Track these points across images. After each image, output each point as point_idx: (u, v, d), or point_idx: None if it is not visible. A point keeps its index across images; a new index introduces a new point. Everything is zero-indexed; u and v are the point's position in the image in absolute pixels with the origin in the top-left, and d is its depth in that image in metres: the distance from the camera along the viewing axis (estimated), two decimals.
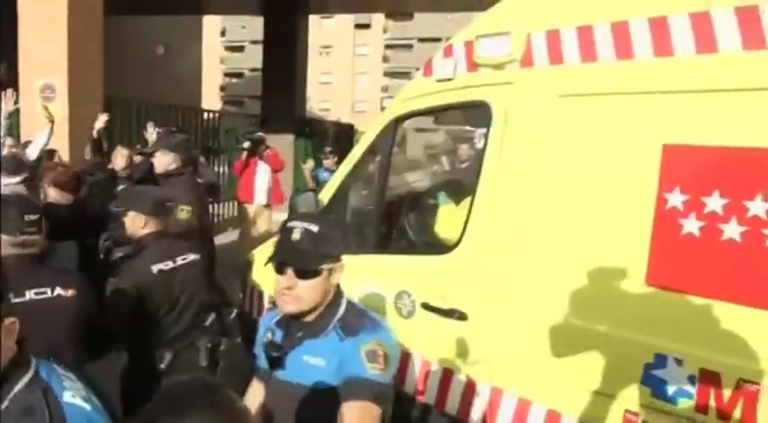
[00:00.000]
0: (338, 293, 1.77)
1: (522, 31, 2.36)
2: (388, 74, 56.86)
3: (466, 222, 2.56)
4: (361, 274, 2.93)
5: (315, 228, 1.67)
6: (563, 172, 2.20)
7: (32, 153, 4.66)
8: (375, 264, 3.04)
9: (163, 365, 2.80)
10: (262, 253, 4.13)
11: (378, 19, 53.88)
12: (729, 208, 1.77)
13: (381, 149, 3.22)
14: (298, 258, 1.67)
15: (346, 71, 57.56)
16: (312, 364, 1.69)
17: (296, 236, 1.66)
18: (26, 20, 8.67)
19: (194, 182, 4.25)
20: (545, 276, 2.22)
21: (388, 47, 57.78)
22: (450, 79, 2.73)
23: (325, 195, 3.57)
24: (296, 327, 1.76)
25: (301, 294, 1.67)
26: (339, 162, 4.83)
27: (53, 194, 3.78)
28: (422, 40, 52.52)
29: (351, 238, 3.48)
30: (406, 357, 2.82)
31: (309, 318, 1.73)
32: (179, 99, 14.15)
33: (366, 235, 3.39)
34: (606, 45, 2.08)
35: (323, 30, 43.31)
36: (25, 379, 1.21)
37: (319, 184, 6.50)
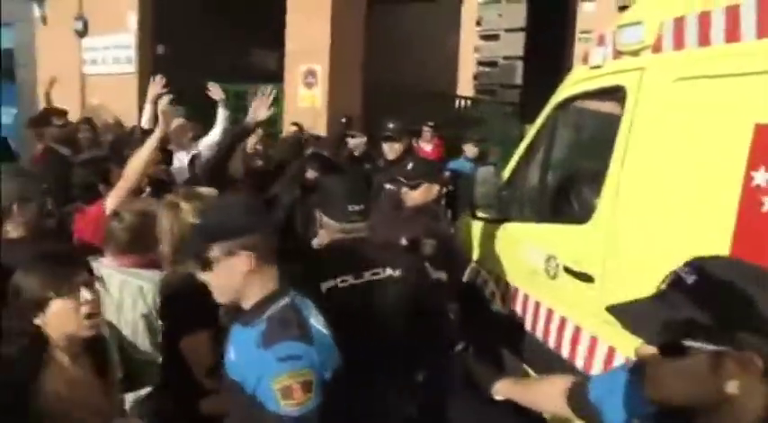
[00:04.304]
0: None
1: (655, 19, 2.56)
2: None
3: (599, 195, 2.84)
4: (525, 240, 3.42)
5: None
6: (679, 152, 2.37)
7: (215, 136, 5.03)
8: (535, 231, 3.43)
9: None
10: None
11: None
12: None
13: (548, 130, 3.58)
14: None
15: None
16: None
17: None
18: (294, 6, 9.11)
19: None
20: (653, 246, 2.43)
21: None
22: (600, 66, 3.00)
23: (507, 172, 4.04)
24: None
25: None
26: None
27: None
28: None
29: (526, 208, 3.89)
30: (550, 314, 3.20)
31: None
32: (435, 87, 14.82)
33: (531, 205, 3.79)
34: (719, 30, 2.22)
35: (583, 14, 41.55)
36: (283, 302, 1.67)
37: None
